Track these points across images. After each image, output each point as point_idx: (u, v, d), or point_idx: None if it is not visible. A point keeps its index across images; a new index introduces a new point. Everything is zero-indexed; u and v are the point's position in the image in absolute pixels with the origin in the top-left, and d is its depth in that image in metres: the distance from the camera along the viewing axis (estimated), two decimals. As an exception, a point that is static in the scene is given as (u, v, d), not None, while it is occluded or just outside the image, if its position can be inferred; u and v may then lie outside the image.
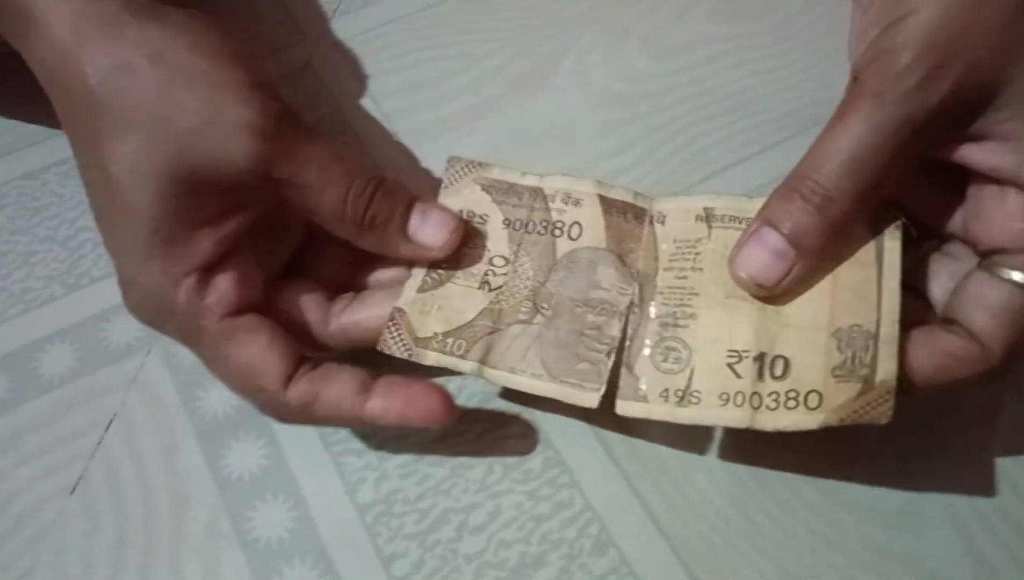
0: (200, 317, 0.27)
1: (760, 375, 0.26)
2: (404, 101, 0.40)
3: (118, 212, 0.26)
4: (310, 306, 0.29)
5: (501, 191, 0.31)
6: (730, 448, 0.31)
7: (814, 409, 0.25)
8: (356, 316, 0.29)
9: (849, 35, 0.30)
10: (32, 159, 0.39)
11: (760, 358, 0.27)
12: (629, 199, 0.30)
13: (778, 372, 0.26)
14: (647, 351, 0.28)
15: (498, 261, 0.30)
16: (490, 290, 0.29)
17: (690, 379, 0.27)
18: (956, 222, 0.28)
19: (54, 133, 0.39)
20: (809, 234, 0.26)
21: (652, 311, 0.28)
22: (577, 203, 0.30)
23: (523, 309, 0.29)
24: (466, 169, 0.31)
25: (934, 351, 0.26)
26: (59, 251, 0.36)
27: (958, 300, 0.26)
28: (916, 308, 0.28)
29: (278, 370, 0.27)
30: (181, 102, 0.26)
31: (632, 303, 0.28)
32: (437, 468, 0.31)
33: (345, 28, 0.43)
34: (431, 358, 0.28)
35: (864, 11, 0.26)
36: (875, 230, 0.27)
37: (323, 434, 0.32)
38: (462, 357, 0.28)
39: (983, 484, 0.31)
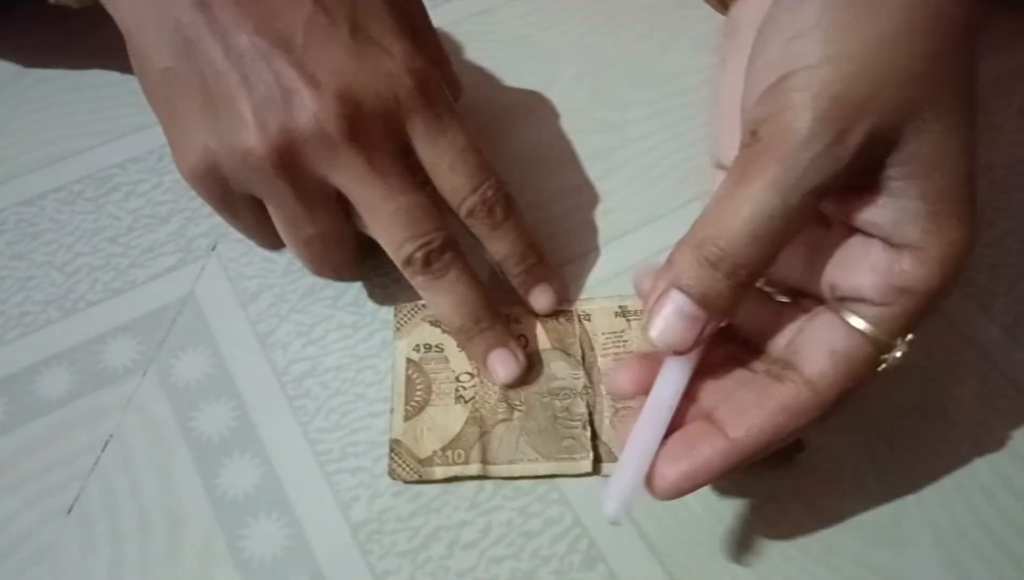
0: None
1: None
2: (396, 128, 0.41)
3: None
4: None
5: None
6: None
7: None
8: None
9: (719, 72, 0.30)
10: (31, 186, 0.39)
11: None
12: (558, 306, 0.35)
13: None
14: (607, 422, 0.32)
15: (464, 377, 0.33)
16: (465, 402, 0.33)
17: None
18: (812, 269, 0.27)
19: (53, 160, 0.40)
20: (719, 296, 0.25)
21: (603, 389, 0.33)
22: (517, 321, 0.35)
23: (500, 410, 0.32)
24: (412, 311, 0.35)
25: (767, 412, 0.26)
26: (56, 276, 0.37)
27: (801, 339, 0.26)
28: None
29: None
30: None
31: (586, 384, 0.33)
32: (428, 486, 0.31)
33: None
34: (438, 473, 0.31)
35: (756, 53, 0.26)
36: None
37: (317, 453, 0.32)
38: (465, 463, 0.31)
39: (964, 500, 0.31)
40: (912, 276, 0.24)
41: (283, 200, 0.30)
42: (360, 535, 0.30)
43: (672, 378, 0.27)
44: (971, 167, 0.24)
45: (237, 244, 0.37)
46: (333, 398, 0.33)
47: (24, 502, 0.31)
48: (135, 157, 0.40)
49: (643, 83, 0.43)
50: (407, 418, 0.32)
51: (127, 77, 0.43)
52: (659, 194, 0.39)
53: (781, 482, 0.31)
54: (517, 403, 0.33)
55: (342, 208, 0.31)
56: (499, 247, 0.33)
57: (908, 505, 0.31)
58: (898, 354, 0.25)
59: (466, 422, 0.32)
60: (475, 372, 0.33)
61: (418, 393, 0.33)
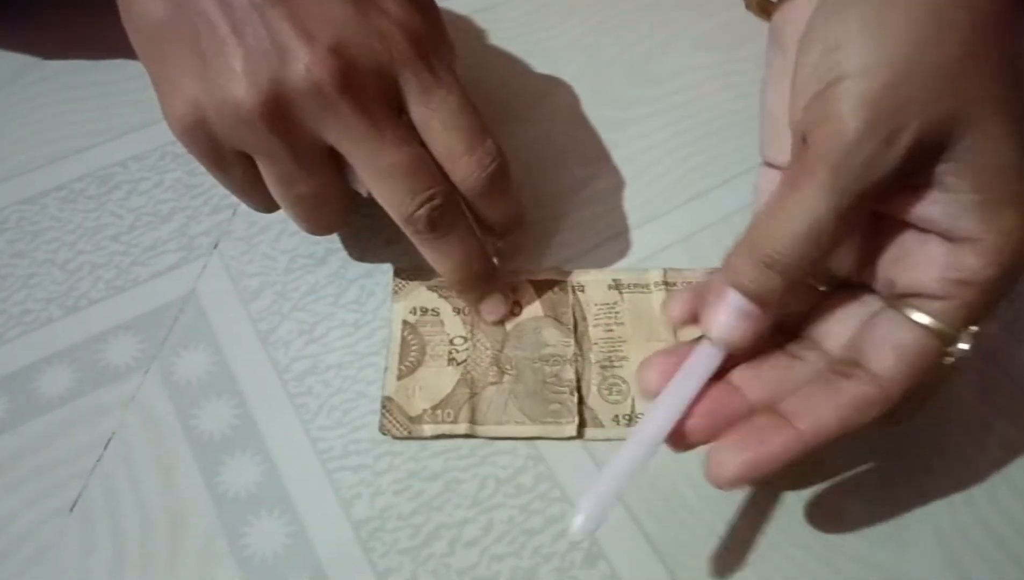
0: None
1: None
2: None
3: None
4: None
5: (444, 287, 0.35)
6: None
7: None
8: None
9: (764, 79, 0.31)
10: (32, 184, 0.39)
11: None
12: (554, 276, 0.36)
13: None
14: (594, 389, 0.33)
15: (458, 340, 0.34)
16: (458, 364, 0.34)
17: (632, 405, 0.33)
18: (866, 265, 0.28)
19: (54, 159, 0.40)
20: (774, 293, 0.26)
21: (592, 358, 0.34)
22: (514, 289, 0.35)
23: (491, 373, 0.33)
24: (411, 275, 0.36)
25: (834, 405, 0.26)
26: (58, 274, 0.37)
27: (865, 336, 0.27)
28: (811, 369, 0.28)
29: None
30: None
31: (575, 352, 0.34)
32: (430, 484, 0.31)
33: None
34: (428, 430, 0.32)
35: (801, 61, 0.26)
36: None
37: (318, 451, 0.32)
38: (454, 422, 0.32)
39: (965, 499, 0.31)
40: (971, 267, 0.24)
41: (274, 156, 0.29)
42: (362, 533, 0.31)
43: (671, 402, 0.27)
44: (1022, 155, 0.24)
45: (239, 242, 0.37)
46: (335, 396, 0.33)
47: (25, 501, 0.31)
48: (136, 155, 0.40)
49: (644, 82, 0.43)
50: (400, 377, 0.33)
51: (128, 75, 0.43)
52: (660, 192, 0.39)
53: (781, 480, 0.31)
54: (508, 367, 0.33)
55: (334, 165, 0.31)
56: (490, 214, 0.33)
57: (909, 503, 0.31)
58: (964, 346, 0.25)
59: (457, 383, 0.33)
60: (468, 336, 0.34)
61: (412, 354, 0.34)
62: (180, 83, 0.29)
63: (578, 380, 0.33)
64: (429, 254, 0.32)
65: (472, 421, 0.32)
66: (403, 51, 0.30)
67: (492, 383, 0.33)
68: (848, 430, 0.26)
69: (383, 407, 0.33)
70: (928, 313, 0.25)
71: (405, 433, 0.32)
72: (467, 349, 0.34)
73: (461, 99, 0.31)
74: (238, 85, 0.28)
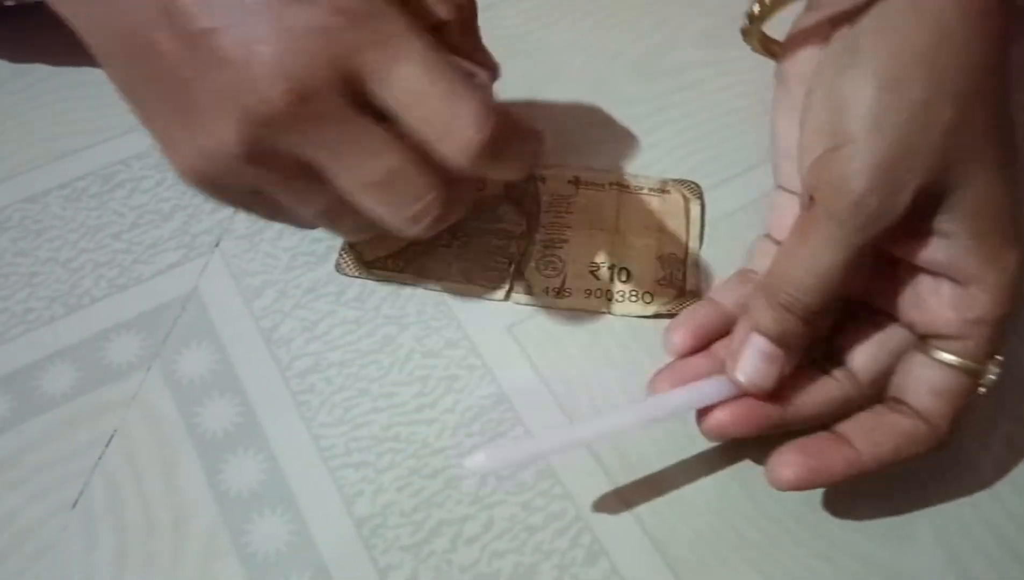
0: None
1: (612, 279, 0.36)
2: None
3: None
4: None
5: None
6: (719, 461, 0.32)
7: (648, 303, 0.36)
8: None
9: (772, 114, 0.33)
10: (34, 183, 0.39)
11: (612, 268, 0.37)
12: None
13: (623, 278, 0.36)
14: (533, 264, 0.37)
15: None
16: None
17: (564, 281, 0.36)
18: (888, 302, 0.30)
19: (56, 157, 0.40)
20: (795, 335, 0.28)
21: (537, 238, 0.38)
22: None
23: (444, 237, 0.37)
24: None
25: (889, 434, 0.28)
26: (60, 272, 0.37)
27: (903, 382, 0.29)
28: (839, 388, 0.30)
29: None
30: None
31: (523, 231, 0.37)
32: (431, 481, 0.32)
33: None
34: (376, 274, 0.36)
35: (807, 119, 0.29)
36: (683, 196, 0.39)
37: (320, 449, 0.32)
38: (401, 271, 0.36)
39: (968, 497, 0.31)
40: (981, 306, 0.27)
41: (272, 187, 0.27)
42: (364, 530, 0.31)
43: (647, 410, 0.29)
44: (1014, 195, 0.27)
45: (240, 240, 0.37)
46: (337, 394, 0.34)
47: (27, 499, 0.31)
48: (139, 153, 0.40)
49: (644, 79, 0.43)
50: None
51: (130, 74, 0.43)
52: (661, 190, 0.39)
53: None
54: (460, 234, 0.37)
55: None
56: (494, 176, 0.32)
57: (911, 501, 0.31)
58: (992, 376, 0.28)
59: (412, 241, 0.37)
60: None
61: None
62: (171, 134, 0.27)
63: (520, 256, 0.37)
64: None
65: (416, 273, 0.36)
66: (348, 39, 0.25)
67: (443, 246, 0.37)
68: (902, 460, 0.28)
69: (342, 250, 0.37)
70: (953, 353, 0.28)
71: (355, 273, 0.36)
72: None
73: (425, 66, 0.25)
74: (212, 134, 0.26)
